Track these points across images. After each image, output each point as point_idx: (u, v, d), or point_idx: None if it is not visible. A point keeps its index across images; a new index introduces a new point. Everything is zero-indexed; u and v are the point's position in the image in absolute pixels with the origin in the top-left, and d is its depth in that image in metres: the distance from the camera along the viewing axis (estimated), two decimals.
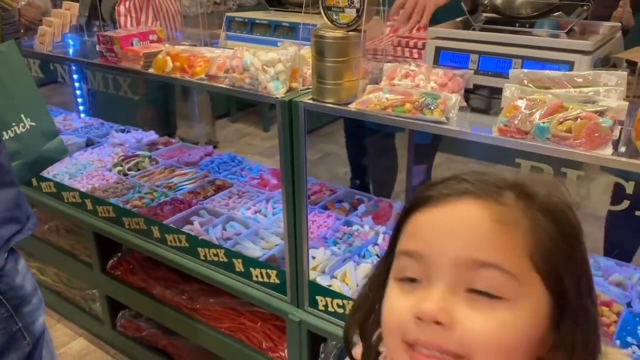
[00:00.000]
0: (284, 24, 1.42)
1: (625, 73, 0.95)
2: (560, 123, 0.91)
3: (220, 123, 4.37)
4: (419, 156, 1.87)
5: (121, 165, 2.06)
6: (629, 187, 0.94)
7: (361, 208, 1.75)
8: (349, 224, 1.66)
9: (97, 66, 1.61)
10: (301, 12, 1.34)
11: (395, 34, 1.37)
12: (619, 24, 1.21)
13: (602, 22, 1.22)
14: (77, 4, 1.85)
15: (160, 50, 1.45)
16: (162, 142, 2.34)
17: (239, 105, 4.44)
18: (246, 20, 1.49)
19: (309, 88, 1.24)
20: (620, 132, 0.90)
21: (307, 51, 1.26)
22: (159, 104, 2.91)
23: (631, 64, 1.06)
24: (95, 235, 1.84)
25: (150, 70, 1.43)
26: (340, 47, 1.12)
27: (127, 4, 1.72)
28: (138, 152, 2.15)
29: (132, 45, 1.50)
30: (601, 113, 0.90)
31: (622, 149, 0.88)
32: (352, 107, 1.12)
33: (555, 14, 1.19)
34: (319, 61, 1.14)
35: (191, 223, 1.68)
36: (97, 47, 1.54)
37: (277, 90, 1.22)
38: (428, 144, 1.88)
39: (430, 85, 1.11)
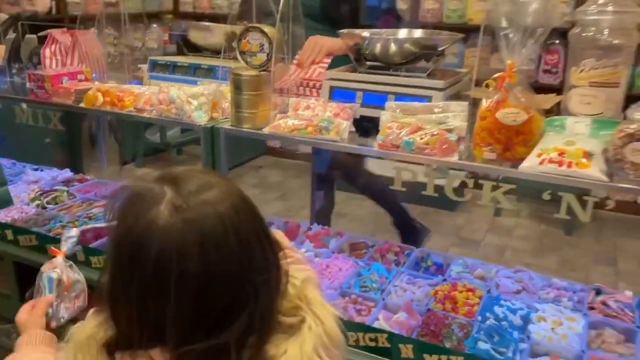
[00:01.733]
0: (202, 66, 1.67)
1: (466, 103, 1.30)
2: (422, 138, 1.23)
3: (126, 168, 4.44)
4: (320, 182, 2.16)
5: (39, 199, 2.14)
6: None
7: (273, 228, 1.98)
8: None
9: (27, 102, 1.74)
10: (214, 57, 1.60)
11: (298, 75, 1.66)
12: (467, 71, 1.59)
13: (455, 69, 1.60)
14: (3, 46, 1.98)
15: (90, 87, 1.64)
16: (77, 179, 2.44)
17: (146, 150, 4.55)
18: (169, 63, 1.71)
19: (227, 118, 1.48)
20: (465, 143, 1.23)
21: (225, 88, 1.51)
22: (69, 147, 3.00)
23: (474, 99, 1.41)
24: (15, 264, 1.91)
25: (81, 105, 1.61)
26: (254, 83, 1.38)
27: (53, 47, 1.88)
28: (56, 187, 2.25)
29: (62, 83, 1.67)
30: (449, 131, 1.23)
31: (464, 156, 1.21)
32: (266, 130, 1.38)
33: (420, 61, 1.54)
34: (237, 94, 1.40)
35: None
36: (28, 85, 1.69)
37: (201, 118, 1.45)
38: (326, 172, 2.19)
39: (326, 115, 1.40)
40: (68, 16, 3.99)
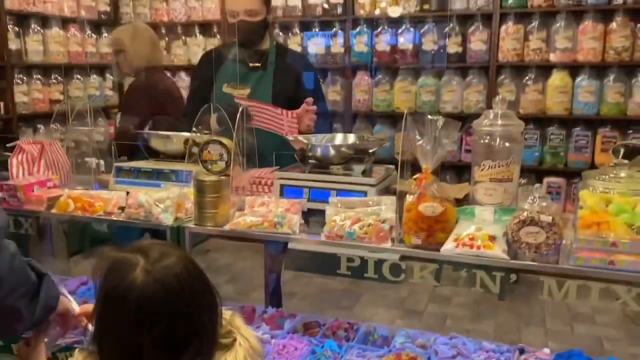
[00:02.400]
0: (164, 171, 1.87)
1: (394, 197, 1.56)
2: (361, 229, 1.47)
3: (73, 260, 4.44)
4: (273, 264, 2.36)
5: None
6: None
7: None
8: None
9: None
10: (174, 161, 1.82)
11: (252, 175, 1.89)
12: (392, 167, 1.88)
13: (384, 165, 1.88)
14: None
15: (61, 194, 1.80)
16: None
17: (92, 241, 4.58)
18: (133, 168, 1.91)
19: (190, 217, 1.68)
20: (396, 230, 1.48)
21: (187, 190, 1.72)
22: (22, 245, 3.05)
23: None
24: None
25: (53, 211, 1.76)
26: (215, 187, 1.60)
27: (20, 157, 2.03)
28: None
29: (33, 191, 1.82)
30: (382, 221, 1.48)
31: (396, 242, 1.46)
32: (227, 227, 1.58)
33: (354, 161, 1.81)
34: (200, 197, 1.60)
35: (81, 342, 1.90)
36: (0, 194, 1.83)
37: (167, 219, 1.64)
38: (278, 254, 2.39)
39: (279, 210, 1.63)
40: (17, 115, 4.11)
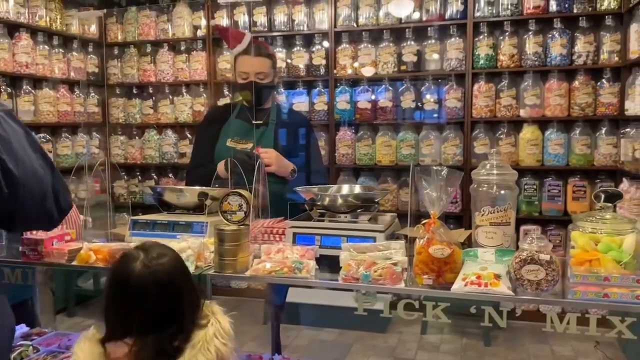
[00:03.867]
0: (180, 223, 1.97)
1: (403, 242, 1.70)
2: (375, 271, 1.59)
3: (58, 318, 4.37)
4: (276, 315, 2.43)
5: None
6: None
7: None
8: None
9: (22, 264, 1.91)
10: (187, 213, 1.93)
11: (264, 226, 2.01)
12: (395, 215, 2.02)
13: (385, 213, 2.02)
14: None
15: (80, 247, 1.87)
16: (36, 332, 2.51)
17: (78, 298, 4.53)
18: (149, 221, 2.00)
19: (209, 265, 1.77)
20: (407, 272, 1.61)
21: (206, 240, 1.81)
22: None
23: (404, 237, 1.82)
24: None
25: (74, 263, 1.83)
26: (235, 236, 1.71)
27: None
28: (20, 342, 2.31)
29: (52, 245, 1.89)
30: (395, 264, 1.61)
31: (409, 282, 1.58)
32: (247, 274, 1.68)
33: (362, 209, 1.95)
34: (220, 246, 1.71)
35: None
36: (20, 249, 1.89)
37: (190, 268, 1.72)
38: (281, 304, 2.47)
39: (294, 256, 1.74)
40: None
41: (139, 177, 5.11)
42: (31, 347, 2.30)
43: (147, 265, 1.28)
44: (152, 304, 1.26)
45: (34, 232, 2.00)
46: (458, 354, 3.80)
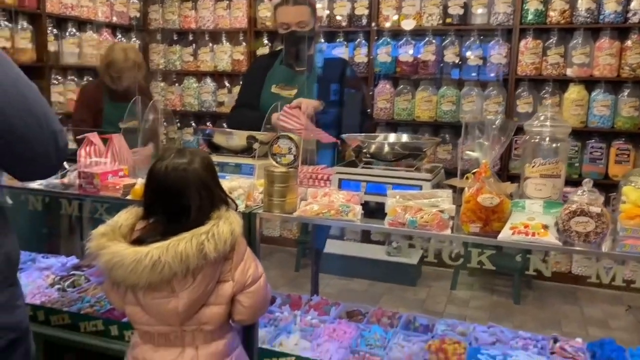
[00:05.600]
0: (230, 164, 2.02)
1: (450, 190, 1.71)
2: (422, 218, 1.62)
3: None
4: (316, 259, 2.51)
5: (59, 284, 2.34)
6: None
7: (278, 300, 2.28)
8: (271, 312, 2.17)
9: (79, 196, 2.00)
10: (236, 156, 1.97)
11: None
12: (440, 165, 2.03)
13: (434, 164, 2.03)
14: None
15: (134, 182, 1.94)
16: (85, 264, 2.64)
17: None
18: None
19: (258, 205, 1.82)
20: (453, 220, 1.63)
21: (256, 181, 1.86)
22: (63, 233, 3.21)
23: (451, 187, 1.83)
24: (45, 344, 2.07)
25: (128, 197, 1.90)
26: (284, 177, 1.74)
27: (88, 149, 2.18)
28: (73, 272, 2.45)
29: (108, 179, 1.96)
30: (442, 211, 1.63)
31: (454, 229, 1.61)
32: (296, 214, 1.73)
33: (407, 158, 1.96)
34: (270, 186, 1.75)
35: None
36: (77, 181, 1.97)
37: (240, 206, 1.78)
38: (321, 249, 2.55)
39: (341, 200, 1.77)
40: (48, 65, 4.19)
41: (178, 124, 5.18)
42: (83, 276, 2.43)
43: (172, 164, 1.50)
44: (170, 196, 1.49)
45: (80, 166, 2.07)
46: (487, 310, 3.85)
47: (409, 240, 1.72)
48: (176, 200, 1.48)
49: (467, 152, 1.67)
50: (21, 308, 1.42)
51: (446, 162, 4.27)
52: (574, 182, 4.18)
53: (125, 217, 1.58)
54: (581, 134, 4.11)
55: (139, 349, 1.58)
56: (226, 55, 4.95)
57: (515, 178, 2.11)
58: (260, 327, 1.98)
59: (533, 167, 1.64)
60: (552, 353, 1.93)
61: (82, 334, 2.04)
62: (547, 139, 1.63)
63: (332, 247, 3.92)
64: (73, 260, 2.70)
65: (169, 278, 1.43)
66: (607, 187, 3.11)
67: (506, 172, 4.25)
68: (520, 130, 1.84)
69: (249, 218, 1.75)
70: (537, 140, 1.64)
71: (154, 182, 1.52)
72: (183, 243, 1.42)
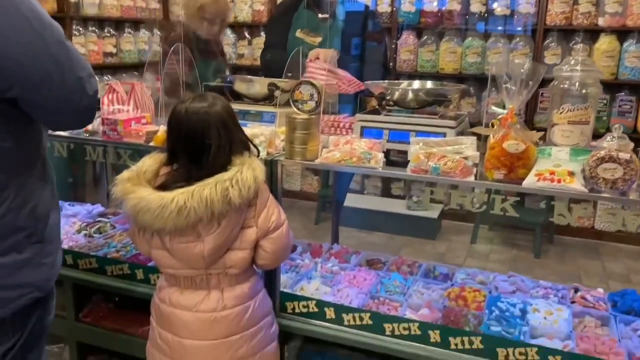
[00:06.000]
0: (251, 112, 2.01)
1: (474, 137, 1.68)
2: (445, 164, 1.60)
3: None
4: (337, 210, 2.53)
5: (86, 230, 2.40)
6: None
7: (299, 248, 2.31)
8: (292, 259, 2.20)
9: (103, 143, 2.02)
10: (257, 104, 1.95)
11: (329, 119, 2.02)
12: (465, 113, 1.99)
13: (459, 111, 1.99)
14: None
15: (157, 129, 1.95)
16: (111, 212, 2.70)
17: None
18: None
19: (279, 152, 1.82)
20: (477, 168, 1.61)
21: (277, 129, 1.85)
22: (88, 182, 3.27)
23: (475, 134, 1.80)
24: (73, 287, 2.14)
25: (151, 144, 1.91)
26: (306, 124, 1.73)
27: (111, 96, 2.18)
28: (99, 219, 2.50)
29: (131, 126, 1.98)
30: (466, 158, 1.61)
31: (478, 176, 1.59)
32: (317, 161, 1.72)
33: (432, 105, 1.92)
34: (292, 133, 1.74)
35: None
36: (101, 128, 1.99)
37: (261, 153, 1.78)
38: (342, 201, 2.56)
39: (363, 148, 1.76)
40: (69, 15, 4.20)
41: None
42: (109, 223, 2.48)
43: (191, 107, 1.50)
44: (189, 137, 1.50)
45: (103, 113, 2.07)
46: (507, 264, 3.85)
47: (431, 188, 1.70)
48: (197, 140, 1.49)
49: (493, 106, 1.64)
50: (48, 266, 1.37)
51: (470, 115, 4.18)
52: (600, 136, 4.09)
53: (150, 163, 1.59)
54: (611, 87, 3.98)
55: (165, 291, 1.62)
56: (246, 6, 4.87)
57: (541, 131, 2.07)
58: (282, 273, 2.01)
59: (561, 113, 1.60)
60: (573, 302, 1.93)
61: (109, 277, 2.10)
62: (577, 84, 1.58)
63: (352, 200, 3.93)
64: (98, 208, 2.76)
65: (195, 223, 1.45)
66: (636, 141, 3.00)
67: (531, 126, 4.16)
68: (546, 82, 1.78)
69: (270, 165, 1.76)
70: (566, 86, 1.59)
71: (175, 125, 1.53)
72: (208, 189, 1.43)
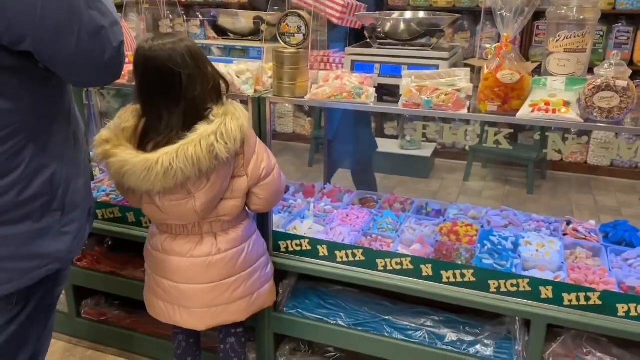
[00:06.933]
0: (237, 47, 1.93)
1: (468, 69, 1.63)
2: (438, 97, 1.55)
3: None
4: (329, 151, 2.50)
5: None
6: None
7: (292, 189, 2.29)
8: (285, 200, 2.18)
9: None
10: (242, 39, 1.88)
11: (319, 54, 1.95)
12: (459, 45, 1.93)
13: (451, 43, 1.92)
14: None
15: None
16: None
17: None
18: (205, 45, 1.97)
19: (267, 89, 1.77)
20: (470, 100, 1.57)
21: (265, 65, 1.79)
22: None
23: (468, 66, 1.75)
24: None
25: (134, 83, 1.84)
26: (294, 59, 1.67)
27: None
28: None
29: None
30: (459, 90, 1.56)
31: (471, 109, 1.55)
32: (307, 97, 1.67)
33: (424, 37, 1.86)
34: (279, 69, 1.68)
35: None
36: None
37: (248, 90, 1.72)
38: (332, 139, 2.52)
39: (353, 83, 1.71)
40: None
41: (184, 16, 4.98)
42: (98, 168, 2.44)
43: (151, 45, 1.40)
44: (150, 74, 1.41)
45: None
46: (500, 200, 3.87)
47: (425, 122, 1.66)
48: (165, 70, 1.39)
49: (486, 41, 1.57)
50: (70, 236, 1.23)
51: (464, 50, 4.09)
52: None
53: (126, 118, 1.50)
54: (608, 18, 3.88)
55: (157, 238, 1.60)
56: None
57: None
58: (275, 214, 2.00)
59: (557, 40, 1.54)
60: (565, 235, 1.94)
61: (100, 221, 2.09)
62: (575, 9, 1.51)
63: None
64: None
65: (183, 182, 1.41)
66: (632, 74, 2.98)
67: (526, 60, 4.08)
68: (542, 15, 1.71)
69: (258, 103, 1.71)
70: (563, 12, 1.53)
71: (141, 62, 1.42)
72: (192, 147, 1.37)
